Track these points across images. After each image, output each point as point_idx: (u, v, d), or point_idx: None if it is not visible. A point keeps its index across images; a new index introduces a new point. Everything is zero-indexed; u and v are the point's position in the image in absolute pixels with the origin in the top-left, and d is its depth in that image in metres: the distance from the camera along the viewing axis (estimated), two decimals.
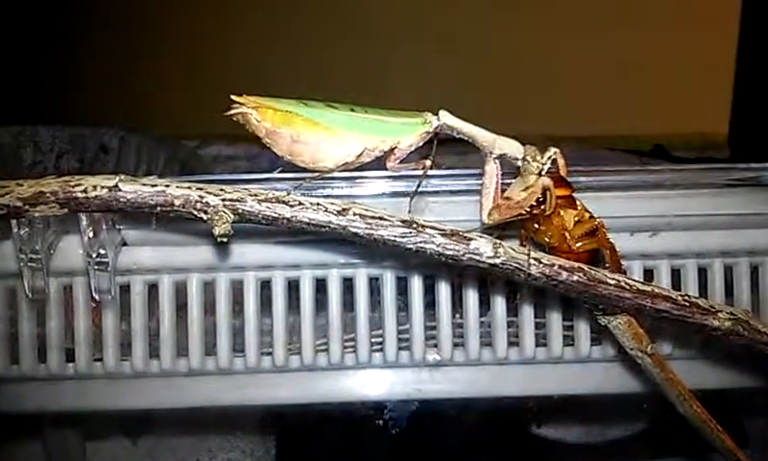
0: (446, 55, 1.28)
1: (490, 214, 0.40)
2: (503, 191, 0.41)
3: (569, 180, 0.41)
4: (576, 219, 0.40)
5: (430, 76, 1.24)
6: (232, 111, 0.40)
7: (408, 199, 0.41)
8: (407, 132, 0.41)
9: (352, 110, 0.41)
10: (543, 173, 0.39)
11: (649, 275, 0.47)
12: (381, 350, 0.47)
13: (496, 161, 0.40)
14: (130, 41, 1.38)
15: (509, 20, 1.29)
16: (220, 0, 1.39)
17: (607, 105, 1.20)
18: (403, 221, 0.36)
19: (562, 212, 0.40)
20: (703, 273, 0.47)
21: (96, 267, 0.43)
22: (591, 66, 1.24)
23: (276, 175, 0.42)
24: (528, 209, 0.39)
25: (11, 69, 1.25)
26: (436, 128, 0.41)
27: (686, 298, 0.38)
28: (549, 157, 0.40)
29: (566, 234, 0.39)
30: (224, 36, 1.35)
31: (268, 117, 0.40)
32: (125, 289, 0.46)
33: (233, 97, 0.40)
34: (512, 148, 0.40)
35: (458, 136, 0.41)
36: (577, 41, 1.25)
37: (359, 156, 0.41)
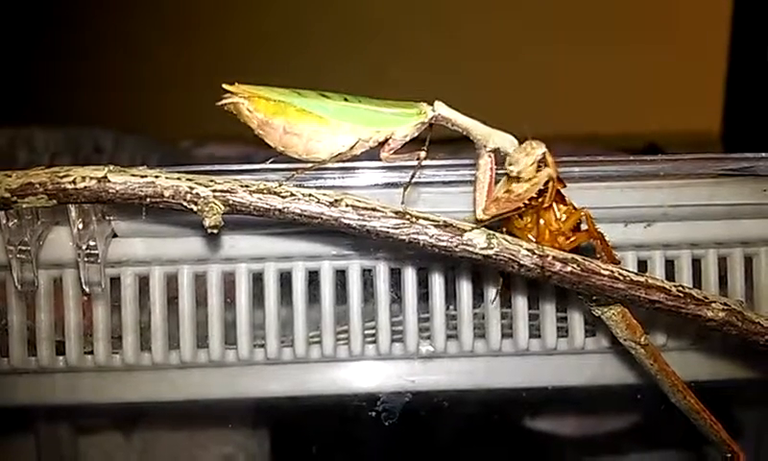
0: (442, 54, 1.28)
1: (486, 209, 0.39)
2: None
3: (562, 175, 0.40)
4: (565, 216, 0.40)
5: (427, 75, 1.24)
6: (224, 101, 0.39)
7: (401, 189, 0.40)
8: (402, 122, 0.40)
9: (346, 100, 0.40)
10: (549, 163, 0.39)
11: (643, 265, 0.46)
12: (374, 341, 0.47)
13: (491, 155, 0.40)
14: (124, 42, 1.37)
15: (503, 21, 1.29)
16: (215, 0, 1.39)
17: (600, 104, 1.20)
18: (396, 212, 0.36)
19: (554, 206, 0.39)
20: (697, 263, 0.47)
21: (86, 259, 0.43)
22: (586, 66, 1.24)
23: (267, 165, 0.41)
24: (527, 202, 0.38)
25: (4, 70, 1.24)
26: (431, 118, 0.40)
27: (680, 288, 0.38)
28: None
29: (558, 227, 0.39)
30: (220, 36, 1.35)
31: (260, 107, 0.39)
32: (115, 281, 0.46)
33: (225, 86, 0.39)
34: (506, 142, 0.40)
35: (452, 128, 0.41)
36: (571, 42, 1.25)
37: (353, 147, 0.40)
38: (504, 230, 0.40)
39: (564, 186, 0.40)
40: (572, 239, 0.39)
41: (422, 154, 0.40)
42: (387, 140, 0.41)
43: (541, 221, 0.39)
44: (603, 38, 1.24)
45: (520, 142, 0.39)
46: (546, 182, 0.38)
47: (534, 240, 0.39)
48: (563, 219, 0.39)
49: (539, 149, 0.38)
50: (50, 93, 1.34)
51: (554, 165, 0.40)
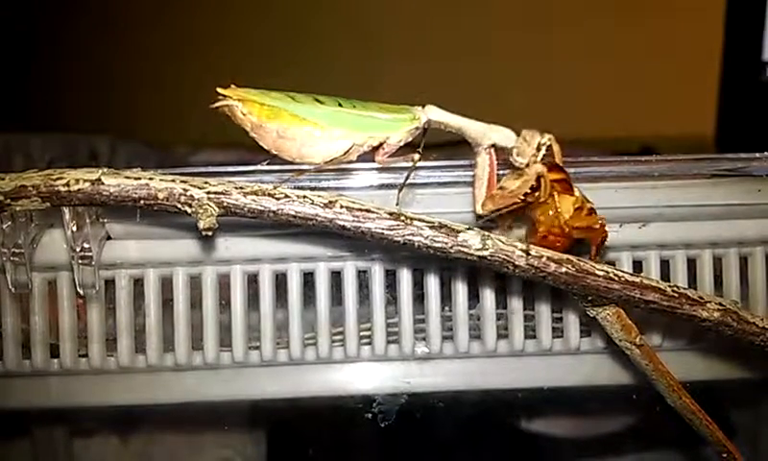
0: (439, 57, 1.29)
1: (483, 205, 0.39)
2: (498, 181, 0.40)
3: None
4: (576, 206, 0.39)
5: (423, 77, 1.24)
6: (218, 104, 0.39)
7: (396, 191, 0.40)
8: (396, 128, 0.40)
9: (340, 105, 0.40)
10: (538, 159, 0.39)
11: (638, 266, 0.46)
12: (370, 343, 0.47)
13: (489, 152, 0.40)
14: (122, 46, 1.37)
15: (499, 23, 1.29)
16: (214, 5, 1.38)
17: (594, 107, 1.21)
18: (391, 213, 0.36)
19: (556, 196, 0.39)
20: (692, 264, 0.47)
21: (80, 261, 0.43)
22: (579, 69, 1.24)
23: (262, 167, 0.41)
24: (522, 197, 0.38)
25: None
26: (425, 123, 0.40)
27: (675, 289, 0.38)
28: (543, 144, 0.39)
29: (560, 219, 0.39)
30: (217, 41, 1.34)
31: (254, 111, 0.39)
32: (110, 283, 0.46)
33: (219, 90, 0.39)
34: (503, 137, 0.40)
35: (447, 130, 0.41)
36: (566, 46, 1.25)
37: (347, 152, 0.40)
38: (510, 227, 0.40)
39: (568, 175, 0.39)
40: (577, 231, 0.39)
41: (416, 156, 0.40)
42: (381, 145, 0.41)
43: (550, 213, 0.39)
44: (597, 42, 1.25)
45: (518, 134, 0.39)
46: (537, 179, 0.38)
47: (546, 232, 0.39)
48: (569, 212, 0.39)
49: (538, 137, 0.38)
50: (45, 98, 1.33)
51: (559, 154, 0.39)
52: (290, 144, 0.40)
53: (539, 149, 0.38)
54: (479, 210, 0.39)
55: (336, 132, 0.40)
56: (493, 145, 0.40)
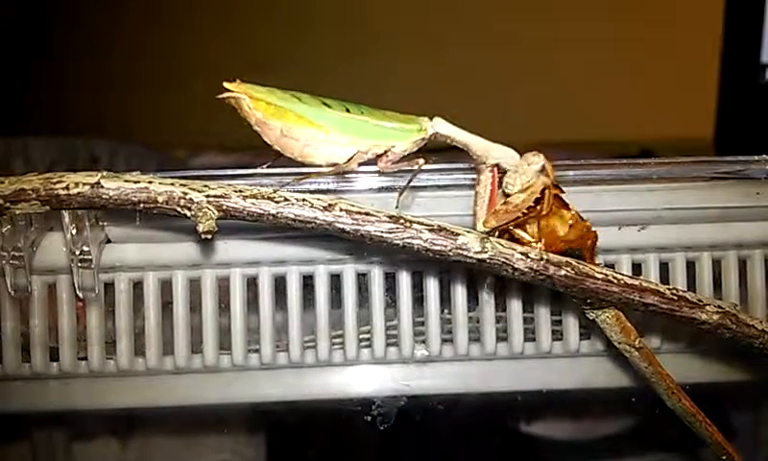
0: (436, 59, 1.29)
1: (486, 222, 0.39)
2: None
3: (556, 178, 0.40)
4: (570, 223, 0.39)
5: (421, 79, 1.24)
6: (226, 94, 0.39)
7: (396, 194, 0.40)
8: (402, 137, 0.40)
9: (347, 110, 0.40)
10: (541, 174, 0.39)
11: (637, 268, 0.46)
12: (369, 346, 0.47)
13: (492, 170, 0.40)
14: (121, 47, 1.37)
15: (499, 26, 1.29)
16: (216, 7, 1.38)
17: (593, 110, 1.21)
18: (390, 216, 0.36)
19: (557, 213, 0.39)
20: (691, 266, 0.47)
21: (79, 264, 0.43)
22: (578, 72, 1.24)
23: (262, 170, 0.41)
24: (526, 211, 0.38)
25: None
26: (431, 135, 0.40)
27: (674, 291, 0.38)
28: (542, 165, 0.39)
29: (564, 234, 0.39)
30: (217, 41, 1.35)
31: (260, 107, 0.39)
32: (109, 286, 0.45)
33: (226, 84, 0.39)
34: (507, 157, 0.39)
35: (452, 144, 0.41)
36: (566, 49, 1.25)
37: (351, 158, 0.40)
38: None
39: (563, 192, 0.40)
40: (565, 244, 0.39)
41: (421, 160, 0.40)
42: (385, 153, 0.41)
43: (546, 229, 0.39)
44: (596, 46, 1.25)
45: (521, 154, 0.39)
46: (543, 191, 0.38)
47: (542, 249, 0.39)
48: (569, 225, 0.39)
49: (534, 165, 0.38)
50: (45, 100, 1.33)
51: (552, 174, 0.39)
52: (293, 143, 0.39)
53: (543, 169, 0.38)
54: (480, 229, 0.39)
55: (341, 137, 0.40)
56: (497, 164, 0.40)
